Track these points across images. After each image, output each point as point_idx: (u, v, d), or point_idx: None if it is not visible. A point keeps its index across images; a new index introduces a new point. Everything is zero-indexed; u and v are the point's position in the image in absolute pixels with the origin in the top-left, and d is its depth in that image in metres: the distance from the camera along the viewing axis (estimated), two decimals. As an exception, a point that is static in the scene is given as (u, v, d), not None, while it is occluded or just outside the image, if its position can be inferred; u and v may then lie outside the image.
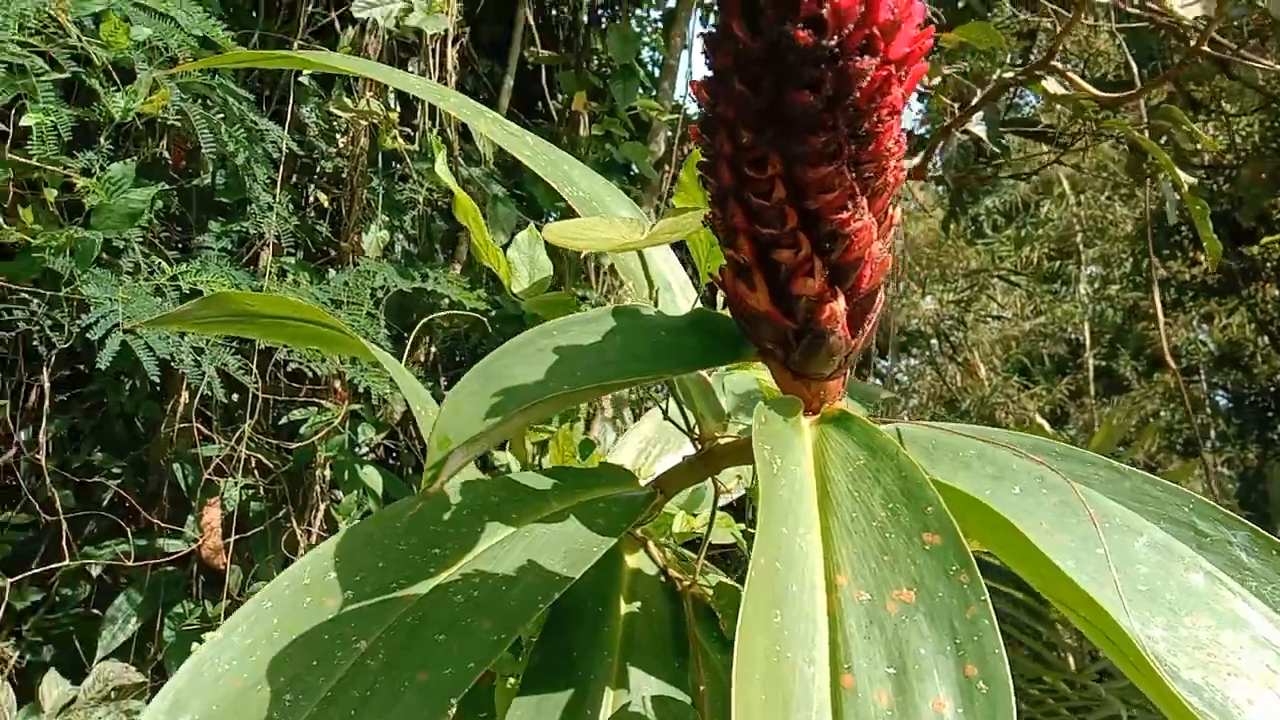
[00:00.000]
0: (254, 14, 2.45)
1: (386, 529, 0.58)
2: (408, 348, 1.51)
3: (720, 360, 0.50)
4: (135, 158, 2.17)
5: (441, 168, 0.64)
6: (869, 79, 0.34)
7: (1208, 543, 0.51)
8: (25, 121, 1.43)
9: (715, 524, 0.80)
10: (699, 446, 0.66)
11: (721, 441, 0.65)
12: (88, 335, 1.46)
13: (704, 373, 0.62)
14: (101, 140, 1.43)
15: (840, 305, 0.42)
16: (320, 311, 0.82)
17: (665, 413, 0.65)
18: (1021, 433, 0.55)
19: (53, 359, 1.71)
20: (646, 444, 0.94)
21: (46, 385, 2.15)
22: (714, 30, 0.35)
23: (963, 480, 0.47)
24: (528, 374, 0.46)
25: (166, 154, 2.41)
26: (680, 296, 0.63)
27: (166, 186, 1.72)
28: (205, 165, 2.23)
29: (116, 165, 1.40)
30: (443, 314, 2.14)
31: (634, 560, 0.74)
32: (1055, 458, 0.53)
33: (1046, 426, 2.93)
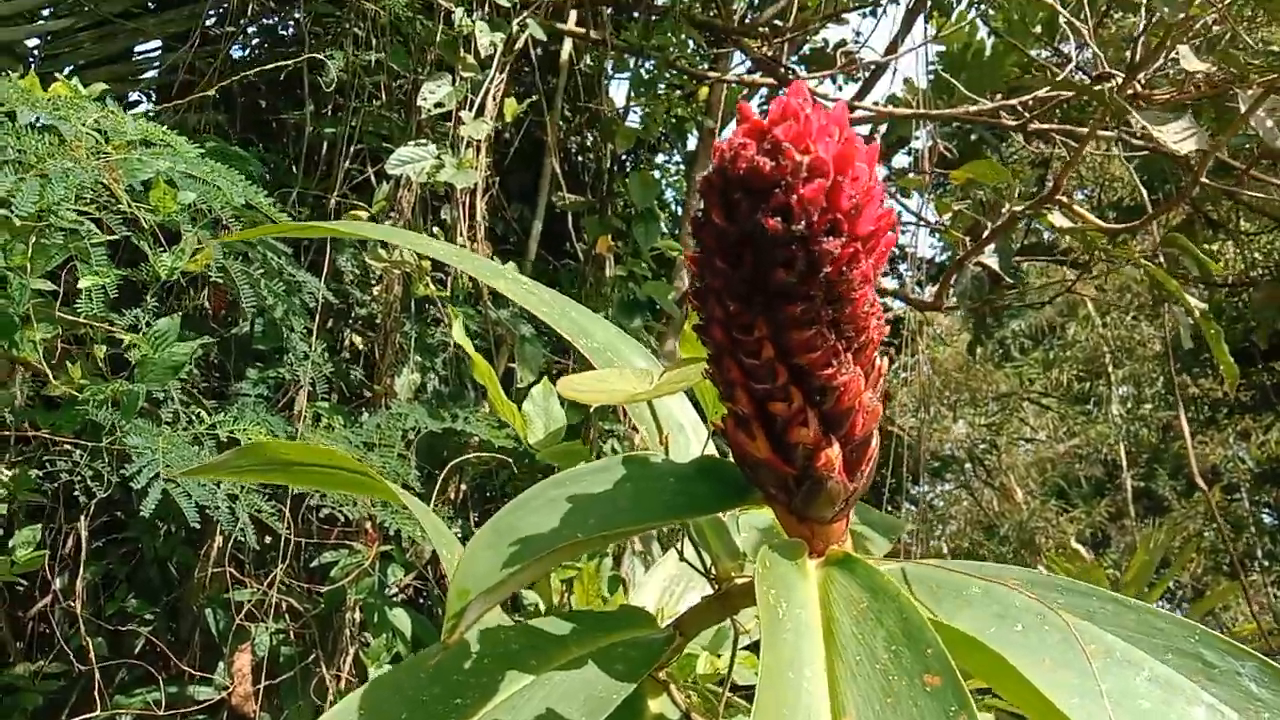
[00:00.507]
0: (294, 170, 2.58)
1: (411, 678, 0.59)
2: (436, 488, 1.53)
3: (728, 505, 0.52)
4: (179, 310, 2.26)
5: (459, 333, 0.68)
6: (837, 256, 0.37)
7: (1216, 674, 0.51)
8: (82, 284, 1.51)
9: (737, 663, 0.80)
10: (716, 587, 0.68)
11: (738, 581, 0.67)
12: (130, 484, 1.50)
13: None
14: (148, 298, 1.50)
15: (836, 452, 0.45)
16: (349, 458, 0.85)
17: (681, 554, 0.67)
18: (1029, 569, 0.56)
19: (92, 508, 1.75)
20: (670, 581, 0.95)
21: (84, 534, 2.19)
22: (699, 215, 0.39)
23: (965, 619, 0.48)
24: (541, 524, 0.48)
25: (207, 304, 2.51)
26: (692, 437, 0.66)
27: (209, 339, 1.79)
28: (244, 314, 2.32)
29: (163, 321, 1.47)
30: (472, 455, 2.17)
31: (657, 705, 0.74)
32: (1061, 592, 0.54)
33: (1083, 551, 2.87)
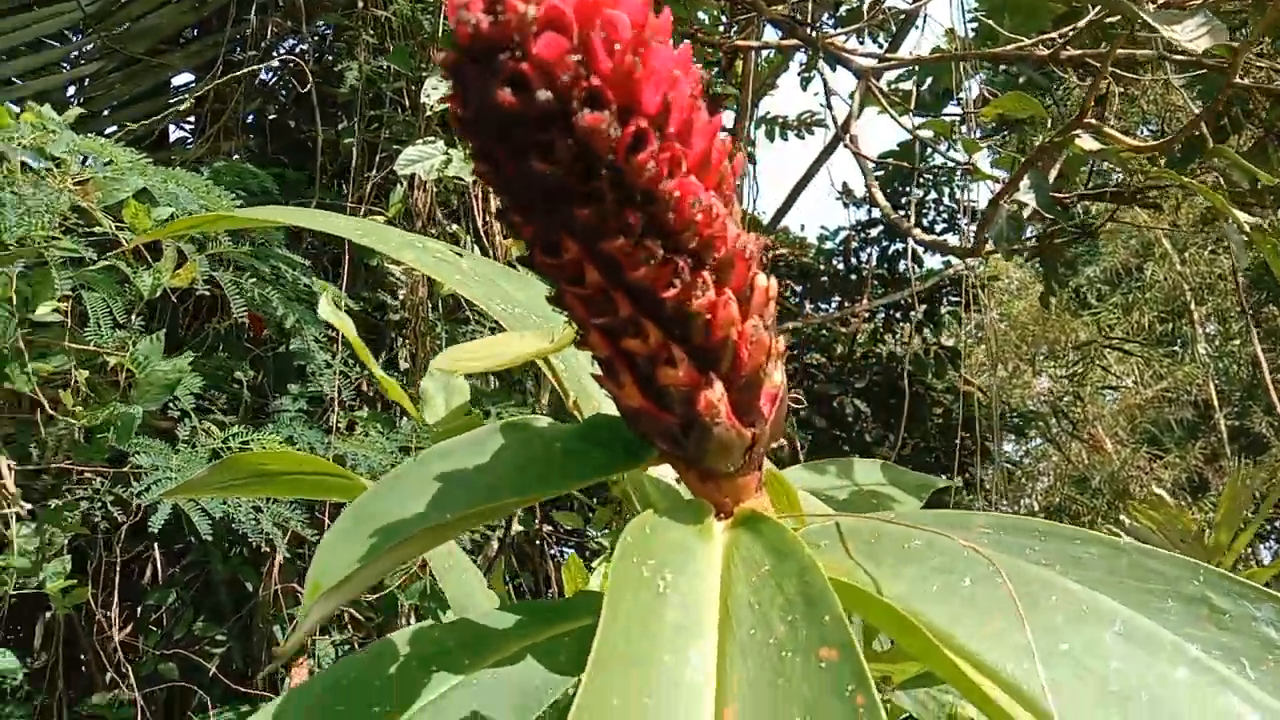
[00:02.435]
0: (310, 186, 2.57)
1: (327, 689, 0.54)
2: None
3: (623, 466, 0.45)
4: (217, 327, 2.27)
5: (326, 310, 0.63)
6: (611, 136, 0.30)
7: (1226, 620, 0.43)
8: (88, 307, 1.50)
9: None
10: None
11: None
12: (137, 500, 1.49)
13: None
14: (131, 318, 1.49)
15: (718, 392, 0.38)
16: (333, 465, 0.80)
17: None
18: (998, 514, 0.48)
19: (122, 536, 1.75)
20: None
21: (152, 569, 2.21)
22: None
23: (906, 578, 0.41)
24: (406, 507, 0.42)
25: (248, 323, 2.51)
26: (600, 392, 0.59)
27: (193, 354, 1.77)
28: (285, 334, 2.31)
29: (143, 343, 1.46)
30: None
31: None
32: (1038, 537, 0.47)
33: (1167, 498, 2.72)
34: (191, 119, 3.53)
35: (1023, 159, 1.99)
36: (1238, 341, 7.36)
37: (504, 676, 0.54)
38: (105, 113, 3.33)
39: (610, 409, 0.61)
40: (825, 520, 0.44)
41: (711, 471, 0.41)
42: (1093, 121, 1.48)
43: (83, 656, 2.77)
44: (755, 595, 0.36)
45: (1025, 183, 1.79)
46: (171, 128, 3.55)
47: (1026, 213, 1.88)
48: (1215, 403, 7.12)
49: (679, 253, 0.34)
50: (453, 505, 0.42)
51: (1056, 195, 2.22)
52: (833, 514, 0.44)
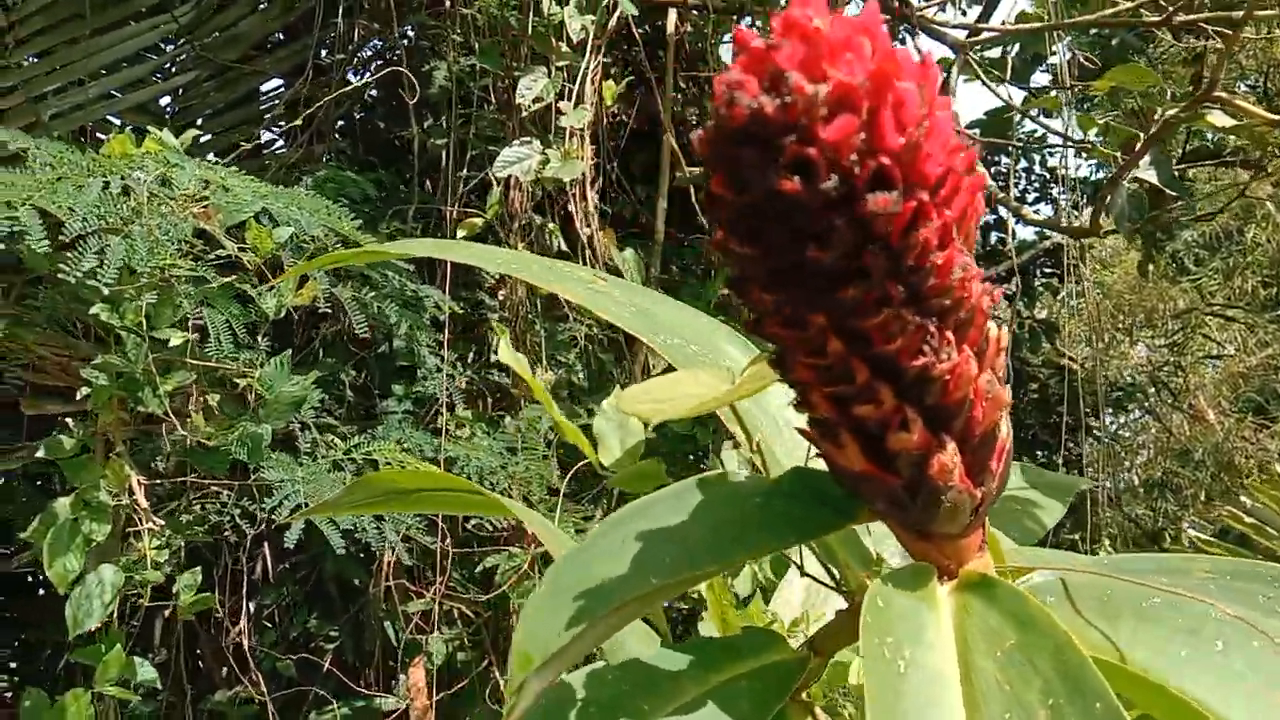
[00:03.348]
0: (411, 187, 2.59)
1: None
2: (559, 497, 1.49)
3: (832, 526, 0.43)
4: (324, 335, 2.31)
5: (505, 353, 0.62)
6: (895, 215, 0.28)
7: None
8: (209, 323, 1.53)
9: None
10: (849, 600, 0.59)
11: (874, 592, 0.58)
12: (272, 518, 1.52)
13: None
14: (258, 339, 1.51)
15: (952, 454, 0.36)
16: (462, 480, 0.80)
17: (800, 569, 0.58)
18: (1217, 558, 0.45)
19: (248, 543, 1.79)
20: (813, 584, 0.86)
21: (263, 567, 2.27)
22: (705, 186, 0.30)
23: (1146, 641, 0.38)
24: (609, 569, 0.41)
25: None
26: (793, 435, 0.57)
27: (319, 373, 1.80)
28: (388, 334, 2.34)
29: (269, 366, 1.48)
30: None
31: (800, 731, 0.66)
32: (1269, 584, 0.43)
33: (1294, 477, 2.59)
34: (282, 123, 3.59)
35: (1136, 132, 1.91)
36: (1351, 303, 7.02)
37: (689, 725, 0.52)
38: (200, 121, 3.40)
39: (798, 453, 0.58)
40: (1045, 569, 0.42)
41: (934, 533, 0.39)
42: (1223, 95, 1.41)
43: (199, 652, 2.86)
44: (1003, 673, 0.34)
45: (1145, 159, 1.71)
46: (264, 134, 3.61)
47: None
48: (1328, 368, 6.82)
49: (929, 316, 0.31)
50: (657, 570, 0.40)
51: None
52: (1059, 566, 0.42)
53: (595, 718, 0.55)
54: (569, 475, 2.15)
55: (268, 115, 3.47)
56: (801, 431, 0.40)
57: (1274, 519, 2.56)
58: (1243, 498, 3.04)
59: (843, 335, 0.32)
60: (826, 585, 0.59)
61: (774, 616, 0.85)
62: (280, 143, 3.54)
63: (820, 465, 0.57)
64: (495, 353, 2.69)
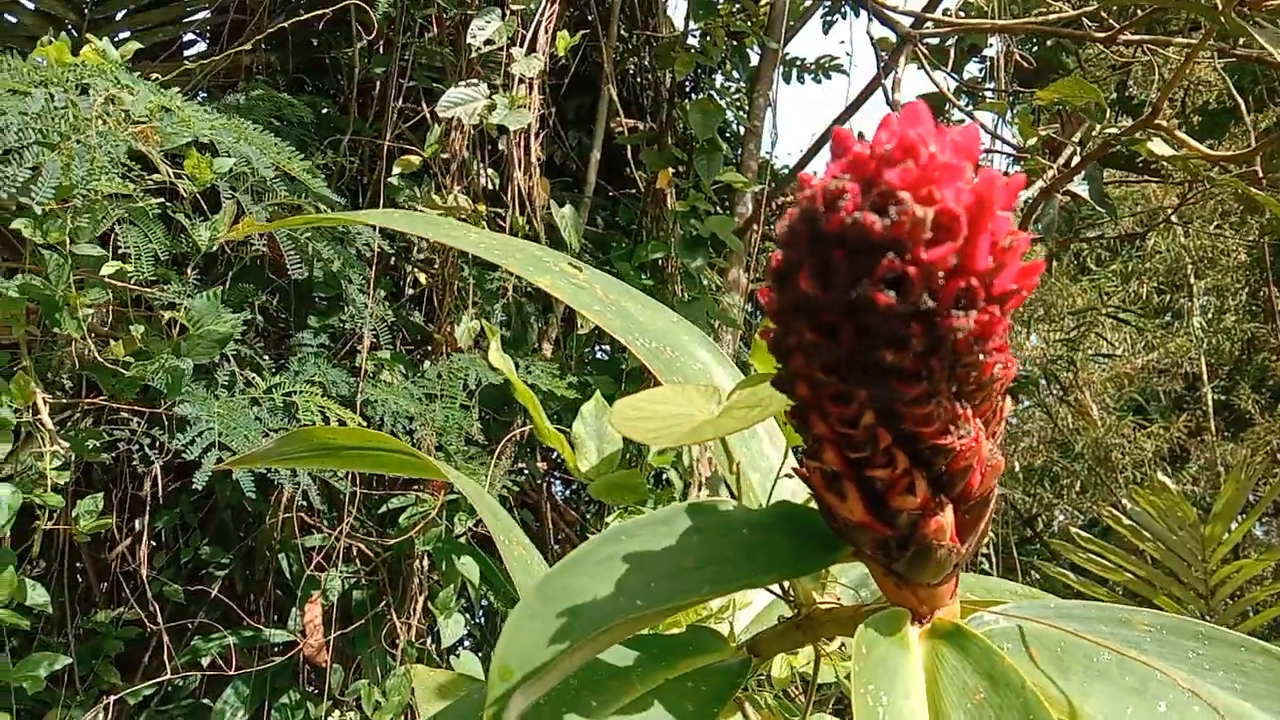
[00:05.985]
0: (345, 113, 2.51)
1: (462, 725, 0.54)
2: (493, 458, 1.48)
3: (815, 565, 0.45)
4: (243, 261, 2.24)
5: (496, 356, 0.61)
6: (969, 330, 0.29)
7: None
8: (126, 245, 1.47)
9: (821, 666, 0.74)
10: (795, 610, 0.61)
11: (821, 606, 0.60)
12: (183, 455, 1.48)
13: None
14: (188, 272, 1.46)
15: (948, 516, 0.37)
16: (397, 440, 0.80)
17: (757, 581, 0.60)
18: (1157, 612, 0.48)
19: (156, 472, 1.74)
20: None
21: (151, 487, 2.20)
22: (780, 267, 0.31)
23: (1098, 697, 0.41)
24: (595, 588, 0.42)
25: (266, 249, 2.47)
26: (772, 452, 0.59)
27: (249, 315, 1.75)
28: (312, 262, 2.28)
29: (199, 300, 1.44)
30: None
31: (731, 726, 0.69)
32: (1200, 641, 0.47)
33: (1171, 485, 2.75)
34: (209, 28, 3.43)
35: (1060, 138, 1.96)
36: (1233, 318, 7.39)
37: (636, 725, 0.54)
38: (119, 17, 3.22)
39: (775, 478, 0.60)
40: (1005, 621, 0.44)
41: (914, 581, 0.41)
42: (1163, 124, 1.46)
43: (80, 566, 2.78)
44: (974, 726, 0.36)
45: (1079, 175, 1.77)
46: (187, 36, 3.45)
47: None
48: (1204, 376, 7.19)
49: (964, 401, 0.33)
50: (645, 596, 0.41)
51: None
52: (1016, 615, 0.44)
53: (544, 711, 0.56)
54: (492, 433, 2.15)
55: (194, 16, 3.32)
56: (799, 474, 0.41)
57: (1150, 524, 2.71)
58: (1124, 501, 3.22)
59: (879, 413, 0.33)
60: (775, 594, 0.61)
61: (708, 608, 0.87)
62: (202, 46, 3.39)
63: (788, 493, 0.59)
64: (411, 288, 2.65)
